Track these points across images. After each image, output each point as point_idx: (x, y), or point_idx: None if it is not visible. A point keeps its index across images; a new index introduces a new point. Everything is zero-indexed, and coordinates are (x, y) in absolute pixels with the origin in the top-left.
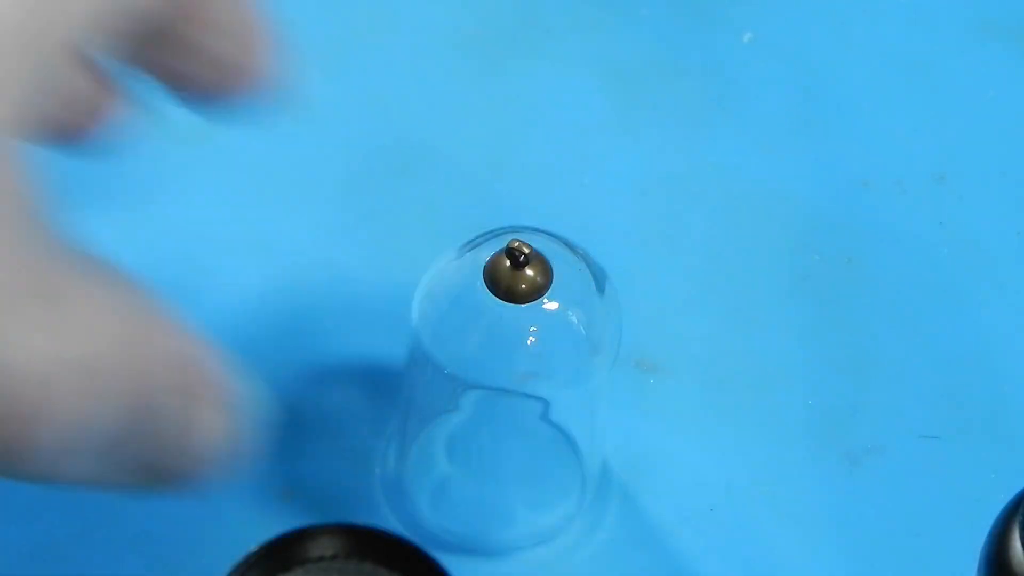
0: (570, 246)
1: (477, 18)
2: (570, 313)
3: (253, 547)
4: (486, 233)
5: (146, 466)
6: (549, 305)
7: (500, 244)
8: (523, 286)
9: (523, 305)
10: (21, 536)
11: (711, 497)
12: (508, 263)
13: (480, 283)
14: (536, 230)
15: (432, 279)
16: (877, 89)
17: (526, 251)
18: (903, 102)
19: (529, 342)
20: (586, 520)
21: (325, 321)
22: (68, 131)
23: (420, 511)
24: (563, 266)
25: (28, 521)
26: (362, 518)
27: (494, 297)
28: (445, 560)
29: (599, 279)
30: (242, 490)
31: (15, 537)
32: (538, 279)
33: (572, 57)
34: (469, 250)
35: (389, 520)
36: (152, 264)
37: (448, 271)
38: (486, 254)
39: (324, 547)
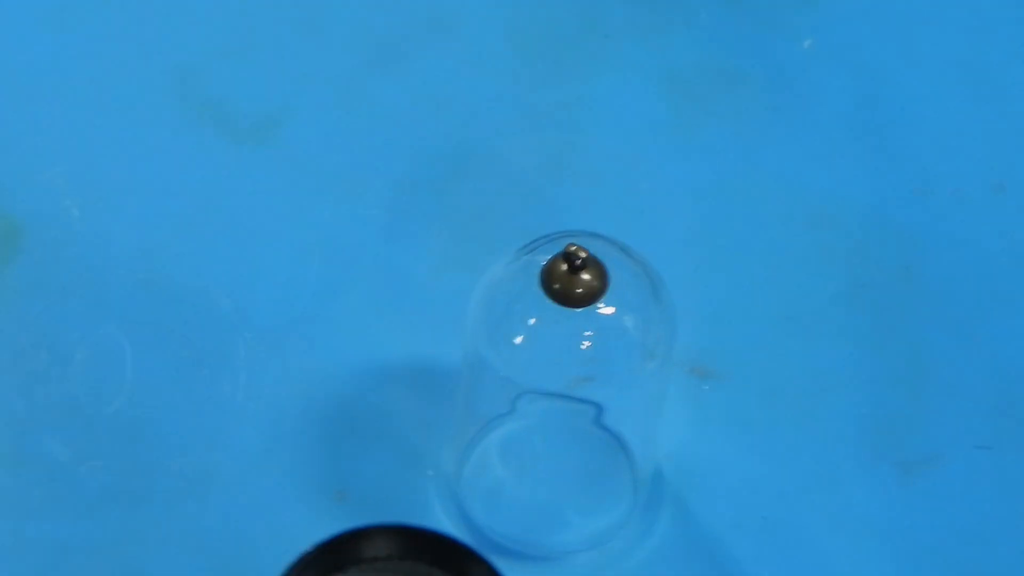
0: (627, 251)
1: (536, 22)
2: (626, 318)
3: (308, 547)
4: (543, 237)
5: None
6: (605, 310)
7: (557, 248)
8: (579, 290)
9: (579, 309)
10: (79, 533)
11: (764, 505)
12: (565, 267)
13: (536, 287)
14: (593, 234)
15: (488, 282)
16: (936, 98)
17: (583, 255)
18: (963, 111)
19: (584, 346)
20: (638, 526)
21: (380, 322)
22: None
23: (473, 513)
24: (619, 271)
25: (86, 518)
26: (415, 519)
27: (550, 301)
28: (497, 562)
29: (655, 284)
30: (296, 490)
31: (73, 534)
32: (595, 283)
33: (630, 62)
34: (526, 253)
35: (442, 522)
36: (208, 260)
37: (504, 274)
38: (543, 258)
39: (378, 548)
